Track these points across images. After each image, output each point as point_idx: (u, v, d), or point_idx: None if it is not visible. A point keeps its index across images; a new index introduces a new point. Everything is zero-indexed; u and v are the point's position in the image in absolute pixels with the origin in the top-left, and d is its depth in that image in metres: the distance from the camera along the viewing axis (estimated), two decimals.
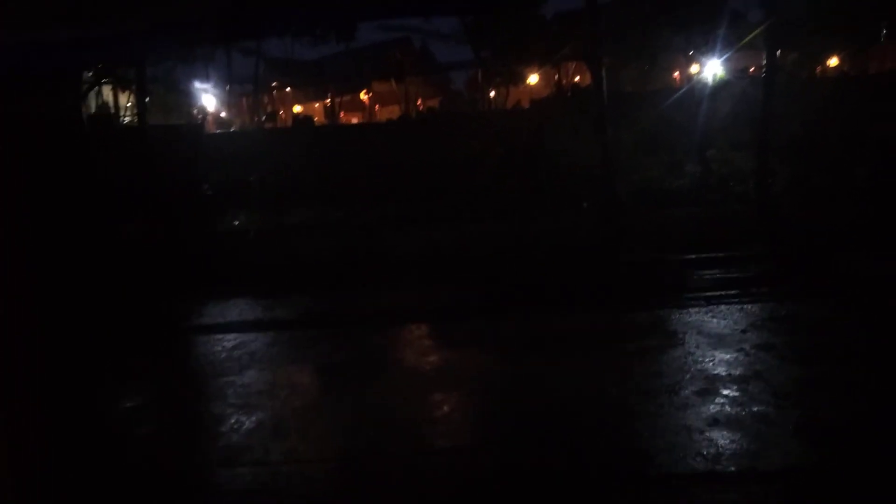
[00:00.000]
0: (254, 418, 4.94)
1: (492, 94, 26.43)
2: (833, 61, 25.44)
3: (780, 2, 10.90)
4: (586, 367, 5.59)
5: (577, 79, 29.56)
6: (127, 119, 22.88)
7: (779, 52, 12.76)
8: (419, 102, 32.24)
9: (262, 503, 3.87)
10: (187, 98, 28.07)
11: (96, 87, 20.62)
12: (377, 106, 33.00)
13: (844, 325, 6.25)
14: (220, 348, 6.72)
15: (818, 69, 24.52)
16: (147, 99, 18.43)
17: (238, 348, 6.65)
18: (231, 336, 7.06)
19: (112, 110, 23.31)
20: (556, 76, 29.16)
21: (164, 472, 4.34)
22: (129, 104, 23.55)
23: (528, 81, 27.27)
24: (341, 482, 4.10)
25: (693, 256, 8.64)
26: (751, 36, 14.00)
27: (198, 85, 27.26)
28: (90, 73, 16.71)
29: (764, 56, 11.51)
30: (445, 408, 5.00)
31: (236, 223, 14.14)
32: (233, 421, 4.93)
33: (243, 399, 5.33)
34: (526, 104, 25.25)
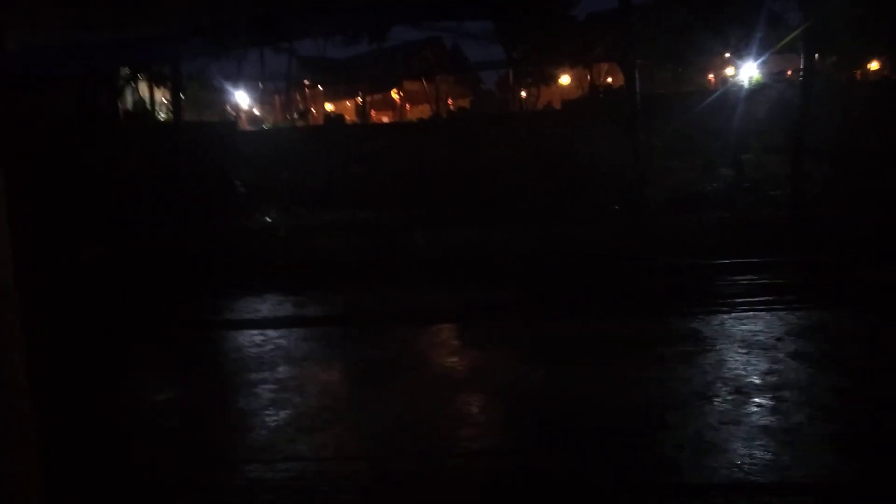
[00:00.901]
0: (281, 415, 4.98)
1: (523, 94, 26.31)
2: (874, 65, 24.86)
3: (818, 4, 10.66)
4: (616, 373, 5.54)
5: (609, 80, 29.31)
6: (162, 115, 23.23)
7: (817, 56, 12.53)
8: (450, 102, 32.24)
9: (287, 501, 3.89)
10: (221, 95, 28.38)
11: (132, 83, 20.98)
12: (408, 105, 33.10)
13: (880, 335, 6.12)
14: (248, 344, 6.80)
15: (858, 73, 23.98)
16: (182, 95, 18.70)
17: (267, 344, 6.72)
18: (260, 332, 7.13)
19: (147, 106, 23.68)
20: (588, 77, 28.93)
21: (191, 467, 4.39)
22: (164, 100, 23.91)
23: (559, 82, 27.10)
24: (367, 482, 4.12)
25: (726, 261, 8.52)
26: (788, 39, 13.74)
27: (231, 82, 27.57)
28: (127, 70, 17.02)
29: (801, 59, 11.30)
30: (473, 410, 5.00)
31: (268, 220, 14.28)
32: (260, 418, 4.98)
33: (272, 395, 5.38)
34: (557, 105, 25.10)
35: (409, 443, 4.52)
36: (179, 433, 4.95)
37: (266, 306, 8.14)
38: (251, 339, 6.96)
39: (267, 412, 5.05)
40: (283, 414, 5.01)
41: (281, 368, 6.00)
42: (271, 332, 7.09)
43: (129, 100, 21.94)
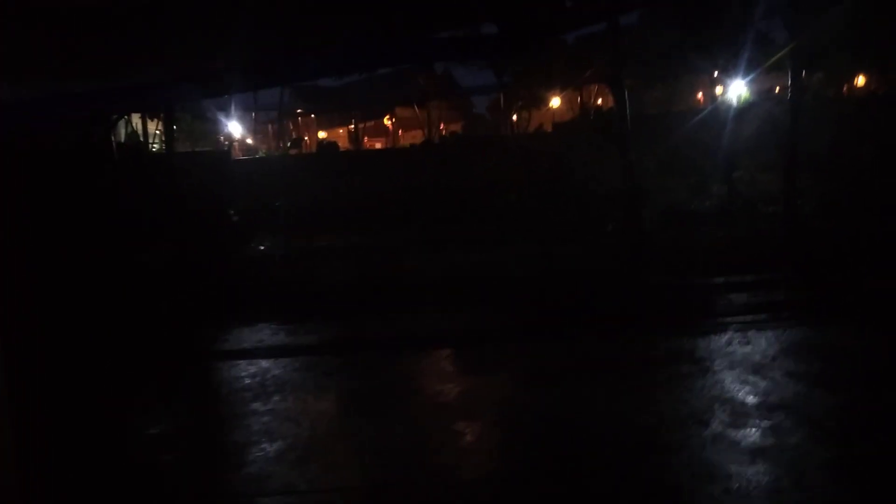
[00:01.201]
0: (276, 446, 4.91)
1: (514, 117, 26.50)
2: (860, 80, 25.11)
3: (804, 23, 10.78)
4: (613, 395, 5.48)
5: (599, 101, 29.56)
6: (155, 146, 23.31)
7: (804, 73, 12.64)
8: (442, 127, 32.43)
9: None
10: (214, 125, 28.52)
11: (125, 117, 21.05)
12: (400, 131, 33.30)
13: (877, 351, 6.08)
14: (243, 374, 6.72)
15: (845, 88, 24.21)
16: (174, 126, 18.76)
17: (261, 374, 6.64)
18: (254, 362, 7.06)
19: (141, 138, 23.75)
20: (579, 99, 29.16)
21: (186, 500, 4.31)
22: (157, 131, 24.00)
23: (550, 105, 27.30)
24: None
25: (721, 280, 8.50)
26: (775, 58, 13.88)
27: (224, 113, 27.71)
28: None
29: (789, 77, 11.39)
30: (468, 438, 4.93)
31: (262, 248, 14.26)
32: (255, 448, 4.90)
33: (266, 426, 5.31)
34: (549, 127, 25.28)
35: (404, 472, 4.44)
36: (170, 465, 4.86)
37: (259, 335, 8.07)
38: (244, 368, 6.88)
39: (260, 443, 4.97)
40: (276, 445, 4.93)
41: (274, 399, 5.92)
42: (264, 362, 7.02)
43: (122, 132, 22.01)
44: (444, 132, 31.19)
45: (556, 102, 27.41)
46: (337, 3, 5.46)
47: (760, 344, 6.34)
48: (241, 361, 7.16)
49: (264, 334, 8.11)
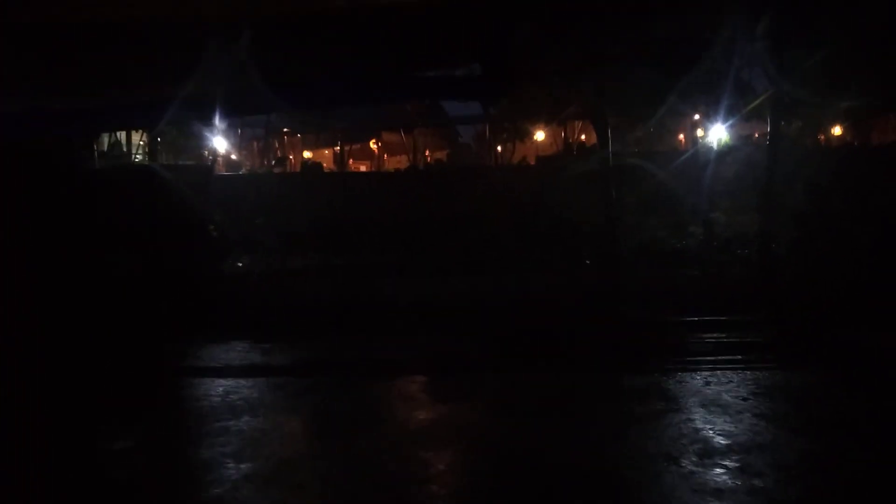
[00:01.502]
0: (243, 467, 4.85)
1: (499, 148, 26.77)
2: (837, 130, 25.76)
3: (782, 73, 11.10)
4: (582, 431, 5.50)
5: (583, 137, 29.95)
6: (138, 158, 23.17)
7: (782, 121, 12.97)
8: (427, 153, 32.62)
9: None
10: (198, 140, 28.44)
11: None
12: (386, 155, 33.43)
13: (845, 395, 6.19)
14: (213, 393, 6.65)
15: (822, 138, 24.82)
16: (158, 139, 18.70)
17: (232, 394, 6.57)
18: (225, 381, 6.99)
19: (124, 149, 23.61)
20: (563, 134, 29.54)
21: None
22: (140, 143, 23.87)
23: (534, 138, 27.63)
24: None
25: (694, 319, 8.61)
26: (754, 104, 14.24)
27: (209, 127, 27.67)
28: None
29: (768, 123, 11.67)
30: (437, 467, 4.91)
31: (240, 265, 14.17)
32: (222, 469, 4.84)
33: (233, 446, 5.24)
34: (532, 160, 25.54)
35: (374, 499, 4.41)
36: (132, 482, 4.77)
37: (231, 354, 8.00)
38: (214, 387, 6.80)
39: (229, 464, 4.91)
40: (243, 465, 4.87)
41: (244, 419, 5.86)
42: (234, 382, 6.95)
43: (105, 142, 21.86)
44: (429, 159, 31.37)
45: (540, 136, 27.75)
46: (326, 38, 5.55)
47: (731, 384, 6.40)
48: (211, 379, 7.09)
49: (236, 353, 8.05)
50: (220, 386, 6.83)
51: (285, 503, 4.35)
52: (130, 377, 7.27)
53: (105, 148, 21.22)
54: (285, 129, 33.13)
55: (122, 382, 7.06)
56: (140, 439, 5.62)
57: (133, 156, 23.41)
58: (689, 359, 7.25)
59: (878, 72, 13.55)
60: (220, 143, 29.86)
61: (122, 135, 23.94)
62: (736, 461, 4.72)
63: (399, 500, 4.39)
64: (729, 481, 4.43)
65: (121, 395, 6.71)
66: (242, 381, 6.95)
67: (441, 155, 32.39)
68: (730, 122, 15.86)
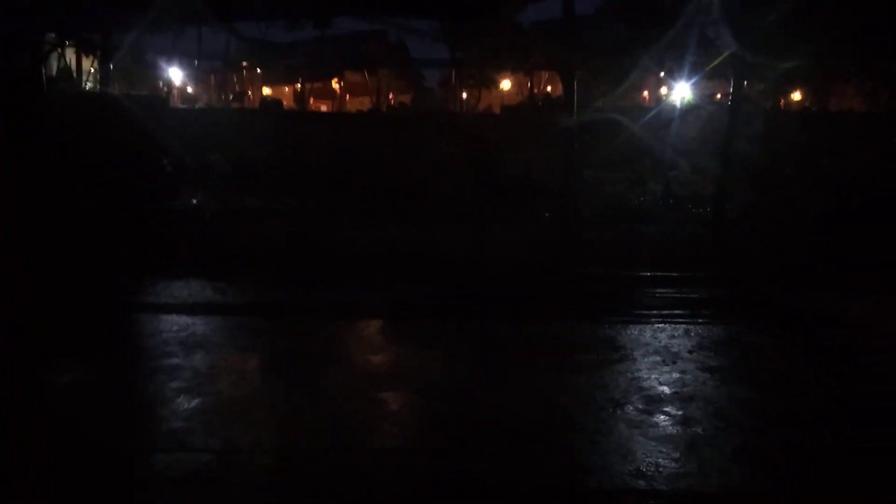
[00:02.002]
0: (194, 404, 4.83)
1: (464, 95, 26.49)
2: (797, 95, 26.18)
3: (747, 33, 11.15)
4: (532, 378, 5.62)
5: (549, 88, 29.81)
6: (89, 85, 22.24)
7: (745, 83, 13.09)
8: (391, 96, 32.10)
9: (199, 490, 3.78)
10: (153, 70, 27.41)
11: (58, 50, 19.99)
12: (348, 95, 32.76)
13: (788, 350, 6.44)
14: (161, 329, 6.57)
15: (782, 102, 25.19)
16: (111, 66, 17.94)
17: (183, 330, 6.50)
18: (177, 317, 6.90)
19: (74, 75, 22.61)
20: (529, 84, 29.34)
21: (101, 454, 4.21)
22: (92, 70, 22.89)
23: (500, 86, 27.41)
24: (280, 475, 4.04)
25: (646, 274, 8.78)
26: (716, 62, 14.32)
27: (165, 57, 26.66)
28: (53, 35, 16.19)
29: (731, 84, 11.78)
30: (391, 408, 4.97)
31: (194, 202, 13.86)
32: (173, 406, 4.82)
33: (185, 383, 5.21)
34: (497, 108, 25.37)
35: (326, 438, 4.46)
36: (82, 420, 4.72)
37: (184, 292, 7.88)
38: (164, 323, 6.72)
39: (177, 401, 4.89)
40: (194, 403, 4.85)
41: (196, 356, 5.82)
42: (186, 319, 6.87)
43: (53, 66, 20.89)
44: (392, 102, 30.88)
45: (507, 84, 27.53)
46: None
47: (678, 337, 6.59)
48: (165, 315, 7.00)
49: (190, 290, 7.93)
50: (173, 323, 6.74)
51: (236, 440, 4.36)
52: (82, 312, 7.12)
53: (54, 73, 20.29)
54: (244, 64, 32.14)
55: (73, 317, 6.91)
56: (88, 376, 5.53)
57: (84, 83, 22.46)
58: (639, 312, 7.43)
59: (833, 37, 13.74)
60: (175, 74, 28.85)
61: (72, 60, 22.90)
62: (680, 410, 4.90)
63: (353, 440, 4.44)
64: (672, 428, 4.60)
65: (71, 330, 6.58)
66: (196, 319, 6.87)
67: (405, 98, 31.91)
68: (693, 80, 15.94)
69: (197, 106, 26.00)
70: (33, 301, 7.03)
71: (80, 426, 4.59)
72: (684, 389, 5.30)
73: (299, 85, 31.21)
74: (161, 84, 28.51)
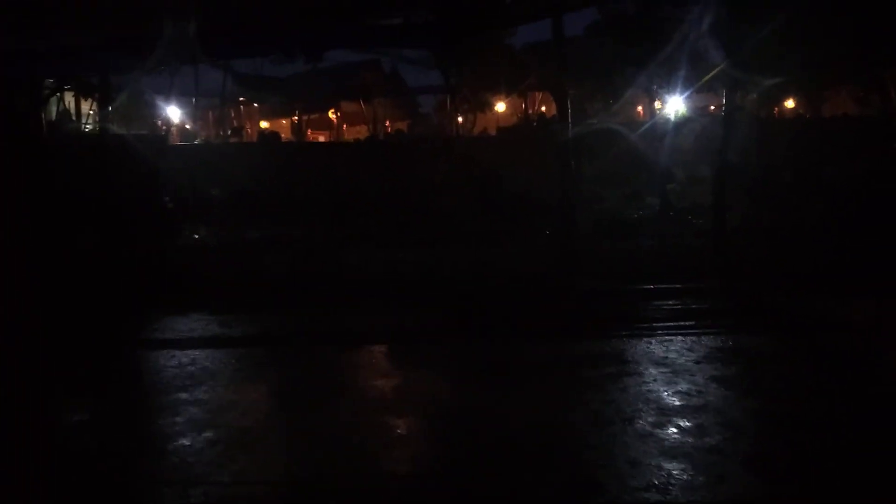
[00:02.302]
0: (203, 437, 4.84)
1: (459, 119, 26.70)
2: (790, 103, 26.34)
3: (736, 45, 11.26)
4: (539, 396, 5.61)
5: (543, 108, 30.04)
6: (89, 127, 22.46)
7: (738, 93, 13.21)
8: (387, 123, 32.34)
9: None
10: (152, 108, 27.66)
11: (58, 94, 20.23)
12: (345, 125, 33.02)
13: (792, 359, 6.43)
14: (171, 364, 6.58)
15: (776, 110, 25.35)
16: (110, 108, 18.13)
17: (190, 365, 6.52)
18: (183, 352, 6.91)
19: (73, 117, 22.86)
20: (523, 105, 29.58)
21: (108, 489, 4.21)
22: (91, 111, 23.14)
23: (495, 109, 27.62)
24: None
25: (649, 287, 8.79)
26: (708, 77, 14.46)
27: (163, 96, 26.93)
28: (51, 80, 16.40)
29: (724, 95, 11.87)
30: (398, 433, 4.97)
31: (196, 237, 13.94)
32: (181, 440, 4.82)
33: (192, 417, 5.22)
34: (493, 131, 25.55)
35: (335, 466, 4.45)
36: (90, 456, 4.72)
37: (190, 326, 7.91)
38: (172, 359, 6.73)
39: (188, 435, 4.89)
40: (205, 436, 4.85)
41: (202, 389, 5.83)
42: (193, 353, 6.88)
43: (53, 110, 21.14)
44: (389, 129, 31.11)
45: (501, 107, 27.75)
46: None
47: (684, 349, 6.58)
48: (170, 351, 7.01)
49: (195, 324, 7.96)
50: (178, 358, 6.76)
51: (245, 473, 4.35)
52: (88, 351, 7.14)
53: (53, 117, 20.53)
54: (241, 99, 32.45)
55: (79, 356, 6.93)
56: (97, 411, 5.55)
57: (83, 125, 22.69)
58: (643, 325, 7.43)
59: (825, 46, 13.88)
60: (174, 112, 29.11)
61: (70, 103, 23.16)
62: (689, 421, 4.88)
63: (363, 466, 4.44)
64: (682, 440, 4.58)
65: (78, 369, 6.60)
66: (201, 353, 6.89)
67: (401, 125, 32.14)
68: (686, 93, 16.08)
69: (196, 142, 26.23)
70: (42, 340, 7.06)
71: (91, 462, 4.59)
72: (692, 401, 5.28)
73: (296, 117, 31.48)
74: (160, 122, 28.78)
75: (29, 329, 7.30)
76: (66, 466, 4.55)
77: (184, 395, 5.69)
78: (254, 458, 4.56)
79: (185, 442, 4.77)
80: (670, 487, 3.98)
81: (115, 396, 5.98)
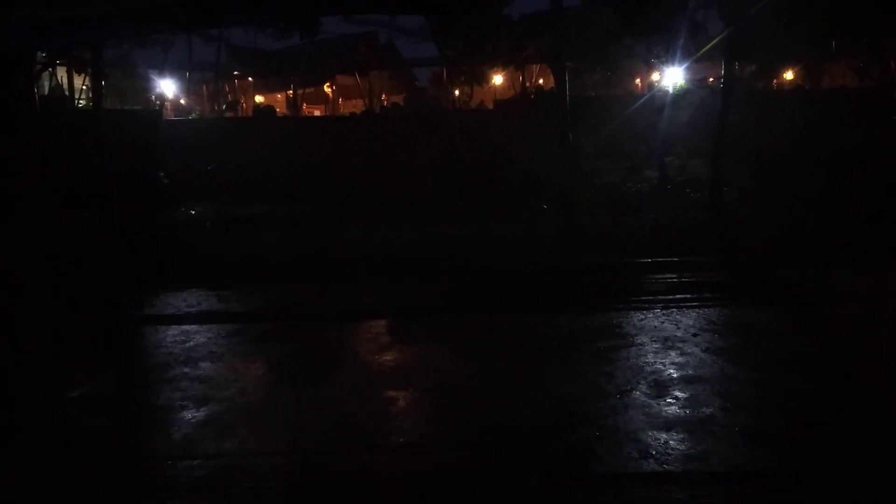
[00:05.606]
0: (205, 411, 4.86)
1: (456, 92, 26.45)
2: (789, 75, 26.14)
3: (737, 16, 11.13)
4: (543, 368, 5.64)
5: (540, 81, 29.79)
6: (81, 103, 22.27)
7: (737, 65, 13.09)
8: (383, 97, 32.09)
9: (209, 497, 3.81)
10: (145, 83, 27.43)
11: (50, 69, 20.01)
12: (340, 99, 32.78)
13: (789, 331, 6.46)
14: (169, 339, 6.59)
15: (775, 82, 25.16)
16: (103, 83, 17.96)
17: (189, 340, 6.53)
18: (182, 328, 6.93)
19: (66, 93, 22.65)
20: (521, 78, 29.32)
21: (112, 464, 4.24)
22: (84, 87, 22.92)
23: (492, 81, 27.34)
24: (293, 477, 4.07)
25: (647, 261, 8.79)
26: (708, 46, 14.32)
27: (157, 70, 26.68)
28: (43, 55, 16.19)
29: (723, 66, 11.77)
30: (399, 406, 5.00)
31: (192, 213, 13.88)
32: (183, 414, 4.84)
33: (194, 391, 5.24)
34: (490, 104, 25.34)
35: (338, 438, 4.48)
36: (95, 430, 4.75)
37: (188, 302, 7.90)
38: (172, 334, 6.74)
39: (189, 409, 4.91)
40: (206, 410, 4.88)
41: (203, 364, 5.84)
42: (193, 328, 6.90)
43: (45, 85, 20.92)
44: (385, 103, 30.87)
45: (498, 80, 27.49)
46: None
47: (682, 321, 6.61)
48: (169, 327, 7.02)
49: (193, 300, 7.95)
50: (177, 333, 6.77)
51: (246, 445, 4.38)
52: (87, 327, 7.15)
53: (46, 92, 20.32)
54: (236, 73, 32.16)
55: (78, 333, 6.95)
56: (95, 388, 5.56)
57: (76, 101, 22.50)
58: (642, 298, 7.44)
59: (826, 16, 13.73)
60: (168, 87, 28.85)
61: (63, 78, 22.93)
62: (685, 392, 4.92)
63: (365, 439, 4.47)
64: (679, 410, 4.62)
65: (78, 345, 6.61)
66: (198, 329, 6.89)
67: (398, 98, 31.87)
68: (685, 65, 15.92)
69: (190, 117, 26.02)
70: (41, 319, 7.07)
71: (92, 438, 4.61)
72: (689, 373, 5.31)
73: (291, 91, 31.21)
74: (153, 97, 28.54)
75: (26, 305, 7.30)
76: (65, 441, 4.57)
77: (184, 370, 5.70)
78: (256, 432, 4.59)
79: (189, 416, 4.80)
80: (667, 456, 4.02)
81: (115, 372, 6.00)
